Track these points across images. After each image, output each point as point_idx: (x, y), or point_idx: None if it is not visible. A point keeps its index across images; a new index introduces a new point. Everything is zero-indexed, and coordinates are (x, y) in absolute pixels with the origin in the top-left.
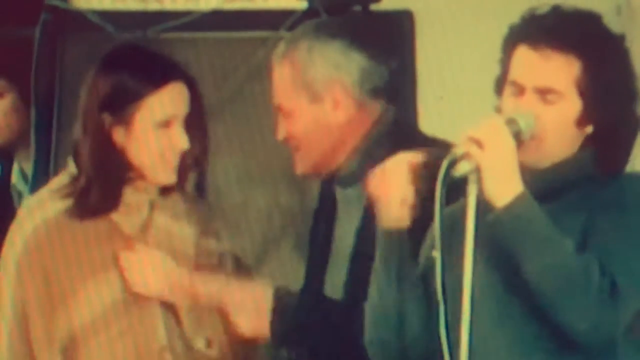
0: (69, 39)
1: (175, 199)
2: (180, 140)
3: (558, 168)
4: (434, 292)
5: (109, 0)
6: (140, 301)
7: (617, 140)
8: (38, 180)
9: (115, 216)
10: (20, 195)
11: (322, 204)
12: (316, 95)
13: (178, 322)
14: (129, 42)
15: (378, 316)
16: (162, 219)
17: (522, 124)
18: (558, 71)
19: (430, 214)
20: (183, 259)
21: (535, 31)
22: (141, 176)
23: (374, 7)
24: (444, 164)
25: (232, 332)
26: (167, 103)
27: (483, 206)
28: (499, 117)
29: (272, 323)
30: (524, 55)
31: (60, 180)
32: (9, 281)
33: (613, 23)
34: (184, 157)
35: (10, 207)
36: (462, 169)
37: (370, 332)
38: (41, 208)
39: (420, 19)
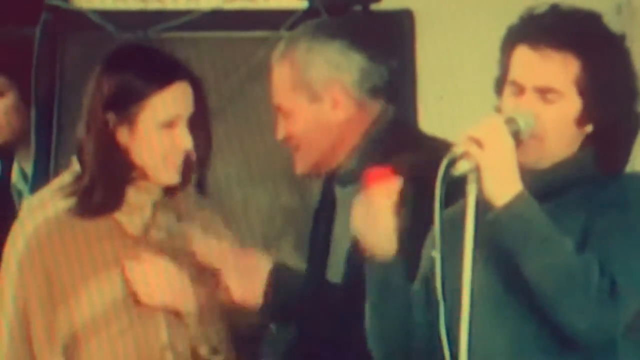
0: (70, 39)
1: (179, 198)
2: (184, 141)
3: (558, 168)
4: (435, 292)
5: (110, 0)
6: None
7: (617, 140)
8: (38, 179)
9: (118, 215)
10: (20, 195)
11: (322, 203)
12: (315, 95)
13: (180, 322)
14: (133, 41)
15: (378, 336)
16: (164, 219)
17: (522, 123)
18: (557, 70)
19: (430, 214)
20: (185, 259)
21: (534, 31)
22: (144, 176)
23: (374, 6)
24: (444, 163)
25: (223, 295)
26: (171, 103)
27: (483, 206)
28: (498, 117)
29: (265, 295)
30: (523, 55)
31: (63, 179)
32: (10, 280)
33: (613, 22)
34: (187, 157)
35: (11, 206)
36: (461, 168)
37: (371, 343)
38: (43, 207)
39: (421, 19)
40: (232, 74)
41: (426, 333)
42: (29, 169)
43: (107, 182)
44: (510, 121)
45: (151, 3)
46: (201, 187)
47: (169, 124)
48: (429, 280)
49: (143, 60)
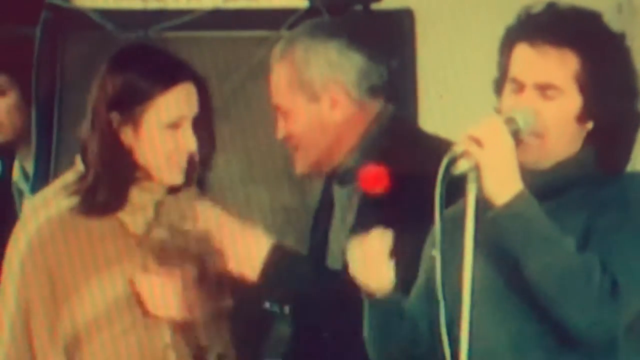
0: (70, 38)
1: (182, 198)
2: (188, 142)
3: (559, 167)
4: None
5: None
6: None
7: (617, 138)
8: (39, 178)
9: (121, 215)
10: (21, 194)
11: (322, 203)
12: (314, 94)
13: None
14: (138, 41)
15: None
16: (167, 219)
17: (521, 122)
18: (556, 67)
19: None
20: (188, 259)
21: (532, 29)
22: (148, 176)
23: (374, 6)
24: (444, 162)
25: (223, 265)
26: (175, 104)
27: (483, 205)
28: (498, 116)
29: (262, 271)
30: (522, 53)
31: (66, 177)
32: (13, 279)
33: (614, 21)
34: (191, 157)
35: (12, 206)
36: (461, 167)
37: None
38: (46, 206)
39: (421, 18)
40: (232, 74)
41: (429, 340)
42: (30, 168)
43: (110, 182)
44: (509, 120)
45: (151, 2)
46: (201, 186)
47: (173, 125)
48: (429, 280)
49: (148, 60)
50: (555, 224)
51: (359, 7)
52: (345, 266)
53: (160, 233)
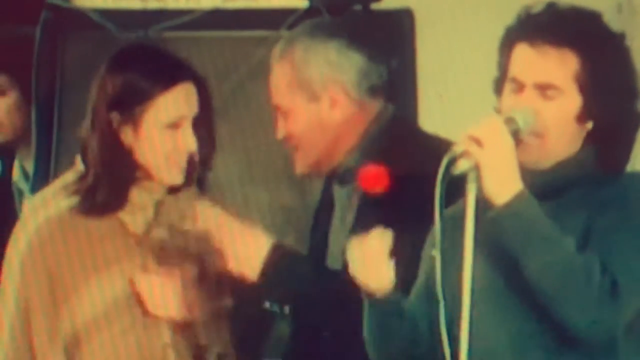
0: (70, 38)
1: (182, 198)
2: (188, 142)
3: (559, 167)
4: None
5: None
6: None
7: (617, 138)
8: (39, 178)
9: (121, 214)
10: (21, 193)
11: (322, 203)
12: (314, 94)
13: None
14: (139, 41)
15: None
16: (167, 218)
17: (521, 122)
18: (556, 66)
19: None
20: (188, 259)
21: (532, 29)
22: (148, 176)
23: (374, 5)
24: (444, 162)
25: (223, 265)
26: (175, 104)
27: (483, 204)
28: (497, 116)
29: (262, 271)
30: (522, 52)
31: (66, 177)
32: (12, 279)
33: (614, 21)
34: (191, 157)
35: (12, 206)
36: (461, 167)
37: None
38: (46, 206)
39: (421, 18)
40: (232, 73)
41: (429, 340)
42: (30, 167)
43: (110, 182)
44: (509, 120)
45: (151, 2)
46: (201, 186)
47: (173, 125)
48: (429, 280)
49: (148, 60)
50: (555, 223)
51: (358, 7)
52: (345, 266)
53: (160, 233)
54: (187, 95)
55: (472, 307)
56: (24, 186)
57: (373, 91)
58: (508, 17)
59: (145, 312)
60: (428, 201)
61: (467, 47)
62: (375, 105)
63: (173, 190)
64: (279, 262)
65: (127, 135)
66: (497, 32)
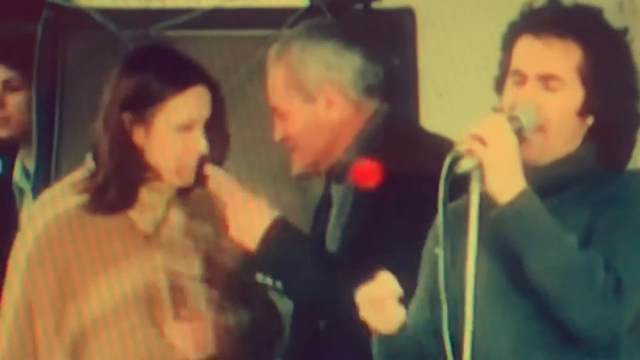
0: (71, 37)
1: (192, 197)
2: (200, 145)
3: (560, 164)
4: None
5: None
6: (151, 296)
7: (618, 136)
8: (40, 177)
9: (131, 213)
10: (22, 193)
11: (322, 200)
12: (310, 95)
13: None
14: (154, 42)
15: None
16: (177, 217)
17: (524, 120)
18: (559, 57)
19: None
20: (197, 258)
21: (536, 21)
22: (158, 177)
23: (375, 4)
24: (447, 160)
25: (225, 230)
26: (188, 107)
27: (486, 203)
28: (501, 114)
29: (260, 243)
30: (526, 44)
31: (76, 175)
32: (18, 275)
33: (615, 19)
34: (202, 160)
35: (12, 205)
36: (464, 165)
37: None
38: (55, 203)
39: (422, 17)
40: (233, 73)
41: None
42: (31, 166)
43: (120, 181)
44: (512, 119)
45: (152, 1)
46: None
47: (185, 128)
48: (431, 280)
49: (162, 62)
50: (558, 222)
51: (359, 6)
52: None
53: (169, 231)
54: (199, 98)
55: (475, 305)
56: (24, 185)
57: (370, 91)
58: (509, 16)
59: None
60: (425, 199)
61: (468, 46)
62: (371, 105)
63: (183, 191)
64: (279, 235)
65: (138, 136)
66: (498, 31)
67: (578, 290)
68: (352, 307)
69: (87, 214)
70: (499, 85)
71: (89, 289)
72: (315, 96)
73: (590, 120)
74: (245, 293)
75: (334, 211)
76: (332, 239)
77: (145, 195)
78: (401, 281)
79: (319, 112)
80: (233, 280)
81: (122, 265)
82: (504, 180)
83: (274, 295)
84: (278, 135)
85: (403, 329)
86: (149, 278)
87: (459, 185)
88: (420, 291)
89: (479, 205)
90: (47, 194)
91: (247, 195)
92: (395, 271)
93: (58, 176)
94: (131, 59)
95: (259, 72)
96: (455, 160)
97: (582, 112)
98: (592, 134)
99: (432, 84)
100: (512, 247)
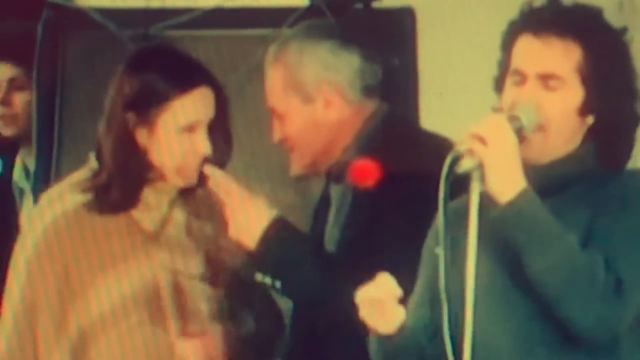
0: (71, 37)
1: (196, 197)
2: (203, 146)
3: (560, 163)
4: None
5: None
6: (159, 294)
7: (617, 135)
8: (40, 177)
9: (134, 212)
10: (22, 193)
11: (322, 200)
12: (308, 95)
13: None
14: (160, 42)
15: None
16: (181, 216)
17: (524, 120)
18: (559, 56)
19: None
20: (200, 257)
21: (536, 20)
22: (162, 177)
23: (375, 4)
24: (447, 160)
25: (225, 230)
26: (192, 108)
27: (486, 203)
28: (501, 114)
29: (259, 242)
30: (525, 43)
31: (81, 173)
32: (23, 273)
33: (614, 19)
34: (206, 161)
35: (12, 205)
36: (465, 165)
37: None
38: (58, 201)
39: (422, 16)
40: (233, 72)
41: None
42: (32, 165)
43: (123, 181)
44: (513, 118)
45: (152, 1)
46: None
47: (189, 129)
48: (431, 280)
49: (167, 62)
50: (558, 221)
51: (359, 6)
52: (341, 254)
53: (172, 231)
54: (204, 99)
55: (475, 305)
56: (25, 185)
57: (368, 91)
58: (509, 15)
59: None
60: (424, 198)
61: (468, 45)
62: (370, 105)
63: (186, 191)
64: (278, 234)
65: (142, 136)
66: (497, 30)
67: (578, 290)
68: (351, 307)
69: (91, 212)
70: (499, 84)
71: (93, 287)
72: (313, 97)
73: (590, 120)
74: (247, 292)
75: (332, 211)
76: (331, 239)
77: (149, 195)
78: (400, 281)
79: (317, 113)
80: (235, 280)
81: (126, 264)
82: (504, 180)
83: (274, 294)
84: (276, 136)
85: (402, 329)
86: (151, 277)
87: (458, 184)
88: (419, 290)
89: (480, 205)
90: (53, 191)
91: (246, 195)
92: (394, 271)
93: (58, 176)
94: (136, 59)
95: (259, 72)
96: (455, 160)
97: (582, 112)
98: (592, 134)
99: (432, 84)
100: (512, 247)
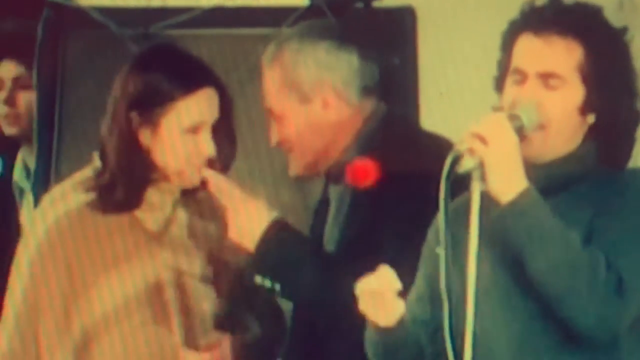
0: (71, 36)
1: (199, 197)
2: (207, 147)
3: (561, 162)
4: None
5: None
6: (162, 293)
7: (618, 134)
8: (39, 176)
9: (138, 212)
10: (22, 192)
11: (321, 200)
12: (305, 96)
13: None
14: (165, 42)
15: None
16: (185, 216)
17: (525, 118)
18: (560, 55)
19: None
20: (204, 256)
21: (537, 19)
22: (165, 177)
23: (376, 3)
24: (448, 160)
25: (224, 233)
26: (196, 109)
27: (487, 202)
28: (501, 113)
29: (258, 244)
30: (526, 42)
31: (84, 173)
32: (28, 270)
33: (615, 18)
34: (209, 162)
35: (12, 204)
36: (466, 165)
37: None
38: (64, 199)
39: (422, 15)
40: (233, 71)
41: (433, 347)
42: (33, 164)
43: (127, 181)
44: (513, 117)
45: (153, 0)
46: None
47: (193, 129)
48: (432, 279)
49: (172, 62)
50: (560, 220)
51: (360, 5)
52: (340, 254)
53: (175, 231)
54: (208, 100)
55: (476, 305)
56: (25, 184)
57: (366, 91)
58: (509, 15)
59: None
60: (423, 198)
61: (469, 45)
62: (368, 105)
63: (189, 191)
64: (277, 236)
65: (145, 136)
66: (498, 30)
67: (579, 289)
68: (351, 308)
69: (94, 211)
70: (499, 84)
71: (96, 287)
72: (310, 97)
73: (590, 119)
74: (250, 294)
75: (331, 211)
76: (330, 240)
77: (152, 195)
78: (399, 281)
79: (316, 113)
80: (239, 281)
81: (129, 264)
82: (505, 179)
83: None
84: (274, 139)
85: (401, 323)
86: (155, 277)
87: (457, 184)
88: (418, 286)
89: (481, 204)
90: (56, 190)
91: (246, 197)
92: (393, 271)
93: (58, 176)
94: (141, 59)
95: (259, 71)
96: (456, 160)
97: (583, 111)
98: (592, 133)
99: (432, 83)
100: (513, 247)
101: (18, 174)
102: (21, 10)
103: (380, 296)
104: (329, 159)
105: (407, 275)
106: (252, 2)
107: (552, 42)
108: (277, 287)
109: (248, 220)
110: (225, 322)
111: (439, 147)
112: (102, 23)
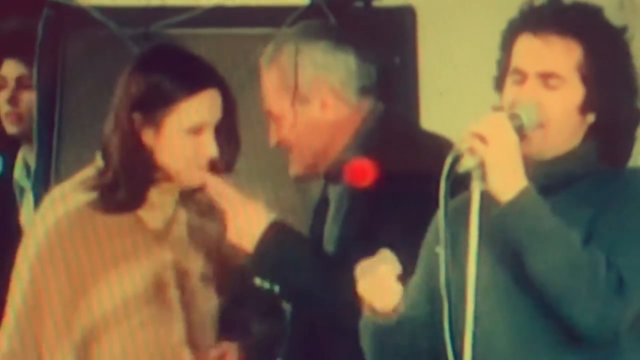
0: (71, 35)
1: (200, 197)
2: (209, 148)
3: (561, 161)
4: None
5: None
6: (161, 293)
7: (618, 133)
8: (40, 175)
9: (140, 212)
10: (22, 191)
11: (321, 199)
12: (304, 97)
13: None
14: (168, 42)
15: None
16: (186, 215)
17: (525, 118)
18: (560, 55)
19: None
20: (206, 255)
21: (536, 19)
22: (168, 177)
23: (376, 3)
24: (448, 159)
25: (224, 233)
26: (199, 110)
27: (487, 201)
28: (501, 112)
29: (257, 246)
30: (525, 42)
31: (86, 172)
32: (27, 270)
33: (615, 17)
34: (212, 162)
35: (13, 203)
36: (466, 164)
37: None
38: (65, 199)
39: (423, 15)
40: (233, 71)
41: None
42: (33, 163)
43: (129, 181)
44: (513, 116)
45: None
46: None
47: (196, 130)
48: (431, 277)
49: (175, 63)
50: (560, 220)
51: (360, 4)
52: (340, 254)
53: (177, 231)
54: (211, 101)
55: (476, 304)
56: (25, 183)
57: (364, 91)
58: (509, 14)
59: None
60: (422, 198)
61: (469, 44)
62: (367, 105)
63: (192, 192)
64: (276, 237)
65: (148, 137)
66: (498, 29)
67: (580, 288)
68: (351, 308)
69: (97, 211)
70: (499, 84)
71: (96, 287)
72: (309, 98)
73: (591, 118)
74: (252, 295)
75: (331, 211)
76: (330, 239)
77: (154, 195)
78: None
79: (314, 114)
80: (240, 282)
81: (130, 264)
82: (505, 178)
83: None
84: (273, 140)
85: (397, 309)
86: (156, 277)
87: (456, 183)
88: (416, 280)
89: (481, 203)
90: (57, 191)
91: (244, 199)
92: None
93: (58, 176)
94: (144, 59)
95: (259, 71)
96: (456, 159)
97: (583, 110)
98: (592, 132)
99: (432, 83)
100: (513, 246)
101: (18, 173)
102: (21, 9)
103: (379, 278)
104: (328, 159)
105: (406, 275)
106: (252, 1)
107: (551, 42)
108: (277, 288)
109: (247, 223)
110: (228, 326)
111: (438, 146)
112: (102, 22)
